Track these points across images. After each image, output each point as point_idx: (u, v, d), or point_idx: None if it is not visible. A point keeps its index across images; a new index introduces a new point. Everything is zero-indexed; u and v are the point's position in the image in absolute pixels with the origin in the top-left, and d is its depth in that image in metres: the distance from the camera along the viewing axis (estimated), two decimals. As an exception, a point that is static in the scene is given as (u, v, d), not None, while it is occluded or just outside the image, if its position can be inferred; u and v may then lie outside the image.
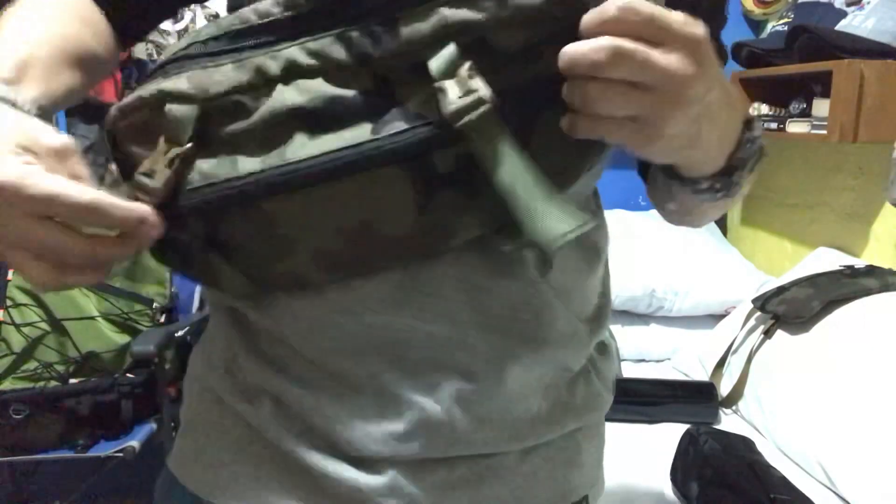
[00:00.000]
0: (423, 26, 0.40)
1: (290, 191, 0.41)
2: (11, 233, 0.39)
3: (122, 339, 1.82)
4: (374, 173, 0.41)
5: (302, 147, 0.41)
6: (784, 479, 1.06)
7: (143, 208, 0.41)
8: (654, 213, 2.54)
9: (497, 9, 0.39)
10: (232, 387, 0.53)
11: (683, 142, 0.41)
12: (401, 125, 0.40)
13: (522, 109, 0.41)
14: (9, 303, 1.78)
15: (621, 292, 1.79)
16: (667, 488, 1.19)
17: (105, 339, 1.81)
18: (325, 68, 0.42)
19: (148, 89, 0.43)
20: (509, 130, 0.40)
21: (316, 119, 0.41)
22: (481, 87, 0.39)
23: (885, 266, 1.47)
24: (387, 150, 0.40)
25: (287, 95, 0.42)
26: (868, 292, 1.38)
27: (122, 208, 0.40)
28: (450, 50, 0.40)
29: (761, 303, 1.48)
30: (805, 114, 1.58)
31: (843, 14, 1.52)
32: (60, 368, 1.76)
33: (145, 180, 0.42)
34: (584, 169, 0.43)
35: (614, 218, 2.02)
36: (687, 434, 1.20)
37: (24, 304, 1.77)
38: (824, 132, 1.45)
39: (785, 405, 1.32)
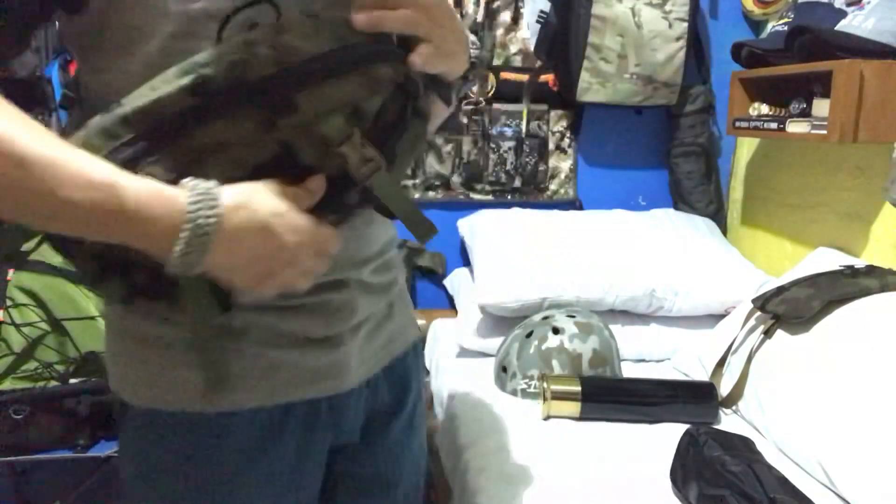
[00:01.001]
0: (314, 103, 0.57)
1: None
2: (298, 262, 0.59)
3: (122, 339, 1.81)
4: None
5: None
6: (784, 479, 1.06)
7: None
8: (654, 212, 2.54)
9: (365, 85, 0.59)
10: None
11: (450, 47, 0.66)
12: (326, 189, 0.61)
13: (386, 146, 0.62)
14: (9, 303, 1.78)
15: (621, 292, 1.79)
16: (667, 488, 1.19)
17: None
18: (235, 141, 0.57)
19: None
20: (393, 178, 0.63)
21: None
22: (374, 155, 0.60)
23: (885, 266, 1.47)
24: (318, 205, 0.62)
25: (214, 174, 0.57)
26: (868, 292, 1.38)
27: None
28: (338, 120, 0.58)
29: (761, 303, 1.48)
30: (805, 114, 1.58)
31: (843, 14, 1.52)
32: (60, 368, 1.76)
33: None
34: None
35: (614, 218, 2.01)
36: (687, 434, 1.20)
37: (24, 304, 1.77)
38: (824, 132, 1.45)
39: (785, 405, 1.32)
